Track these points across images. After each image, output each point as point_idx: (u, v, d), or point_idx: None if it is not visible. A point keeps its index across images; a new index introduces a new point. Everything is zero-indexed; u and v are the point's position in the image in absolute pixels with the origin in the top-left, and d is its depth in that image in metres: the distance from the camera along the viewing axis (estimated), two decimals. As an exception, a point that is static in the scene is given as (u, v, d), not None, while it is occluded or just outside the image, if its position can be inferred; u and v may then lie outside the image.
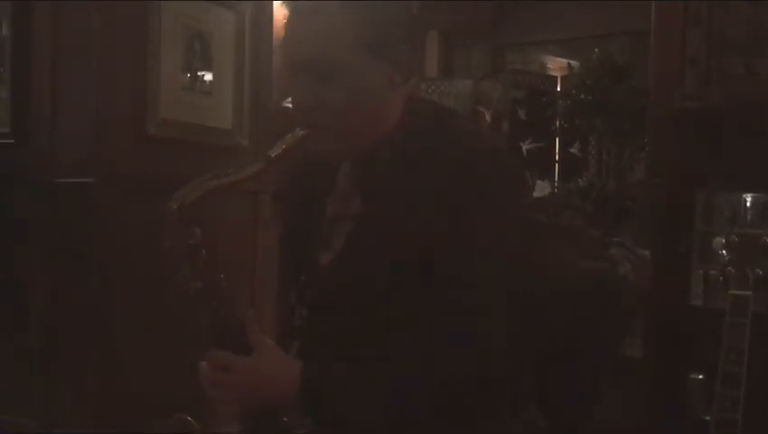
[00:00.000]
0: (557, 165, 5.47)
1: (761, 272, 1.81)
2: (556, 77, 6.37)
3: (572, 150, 5.55)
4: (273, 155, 1.22)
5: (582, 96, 4.74)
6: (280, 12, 3.72)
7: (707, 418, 1.78)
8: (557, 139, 5.07)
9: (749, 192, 2.28)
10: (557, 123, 5.05)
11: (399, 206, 1.22)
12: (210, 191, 1.23)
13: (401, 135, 1.28)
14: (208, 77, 3.36)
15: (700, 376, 2.16)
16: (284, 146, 1.22)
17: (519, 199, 1.34)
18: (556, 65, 6.43)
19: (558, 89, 5.76)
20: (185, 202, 1.22)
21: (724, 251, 1.86)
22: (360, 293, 1.24)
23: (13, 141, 3.15)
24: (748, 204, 2.29)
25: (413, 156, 1.24)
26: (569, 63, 5.74)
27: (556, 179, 4.77)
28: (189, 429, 1.25)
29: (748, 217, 2.28)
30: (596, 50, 4.86)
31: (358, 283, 1.25)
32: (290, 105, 1.29)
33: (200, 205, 1.22)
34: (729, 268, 1.84)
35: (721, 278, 1.86)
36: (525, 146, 4.57)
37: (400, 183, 1.24)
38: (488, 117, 4.67)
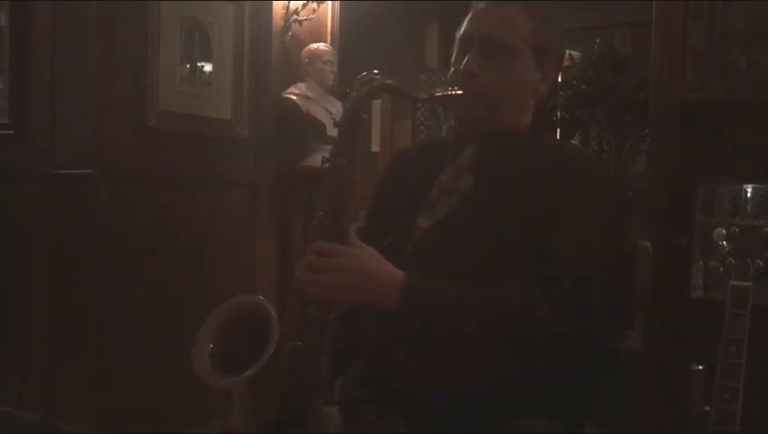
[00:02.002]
0: (557, 156, 5.45)
1: (761, 263, 1.81)
2: (556, 68, 6.37)
3: (573, 141, 5.55)
4: (435, 94, 1.42)
5: (583, 87, 4.71)
6: (279, 3, 3.71)
7: (707, 408, 1.78)
8: (558, 130, 5.06)
9: (750, 183, 2.28)
10: (558, 114, 5.04)
11: (507, 193, 1.36)
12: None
13: (527, 135, 1.46)
14: (207, 68, 3.36)
15: (700, 367, 2.16)
16: (441, 93, 1.40)
17: (615, 208, 1.43)
18: (556, 56, 6.42)
19: (559, 79, 5.73)
20: None
21: (724, 243, 1.86)
22: (453, 259, 1.34)
23: (12, 132, 3.15)
24: (749, 196, 2.28)
25: (532, 156, 1.40)
26: (570, 54, 5.72)
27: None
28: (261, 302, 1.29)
29: (749, 208, 2.28)
30: (597, 40, 4.84)
31: (453, 250, 1.35)
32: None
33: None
34: (730, 259, 1.83)
35: (721, 269, 1.85)
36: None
37: (514, 173, 1.38)
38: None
